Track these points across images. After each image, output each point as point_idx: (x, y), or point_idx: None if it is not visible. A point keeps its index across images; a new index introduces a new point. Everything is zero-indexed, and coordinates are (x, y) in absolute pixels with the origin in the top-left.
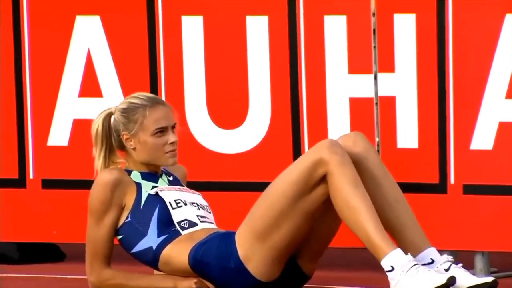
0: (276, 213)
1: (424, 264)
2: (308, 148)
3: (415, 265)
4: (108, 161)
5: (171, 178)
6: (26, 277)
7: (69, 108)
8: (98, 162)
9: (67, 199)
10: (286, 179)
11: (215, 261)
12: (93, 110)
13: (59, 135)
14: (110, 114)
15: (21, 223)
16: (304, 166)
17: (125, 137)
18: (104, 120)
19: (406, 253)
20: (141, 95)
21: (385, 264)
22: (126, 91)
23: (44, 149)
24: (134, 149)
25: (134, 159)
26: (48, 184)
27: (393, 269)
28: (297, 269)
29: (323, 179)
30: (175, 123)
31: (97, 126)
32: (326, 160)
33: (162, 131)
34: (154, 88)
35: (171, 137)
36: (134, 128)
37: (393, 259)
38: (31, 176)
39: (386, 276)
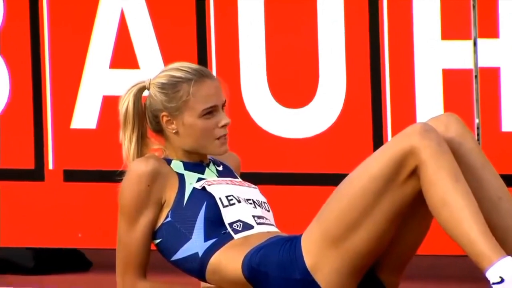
0: (354, 214)
1: None
2: (392, 131)
3: None
4: (142, 147)
5: (220, 168)
6: None
7: (98, 83)
8: (130, 149)
9: (95, 194)
10: (368, 173)
11: (275, 270)
12: (128, 85)
13: (85, 115)
14: (143, 89)
15: (38, 224)
16: (390, 157)
17: (165, 119)
18: (135, 96)
19: None
20: (183, 66)
21: (492, 274)
22: (168, 61)
23: (66, 133)
24: (176, 133)
25: (174, 145)
26: (71, 176)
27: (502, 280)
28: (377, 283)
29: (414, 172)
30: (225, 101)
31: (126, 104)
32: (418, 148)
33: (211, 111)
34: (202, 57)
35: (222, 119)
36: (177, 108)
37: (504, 268)
38: (50, 167)
39: None
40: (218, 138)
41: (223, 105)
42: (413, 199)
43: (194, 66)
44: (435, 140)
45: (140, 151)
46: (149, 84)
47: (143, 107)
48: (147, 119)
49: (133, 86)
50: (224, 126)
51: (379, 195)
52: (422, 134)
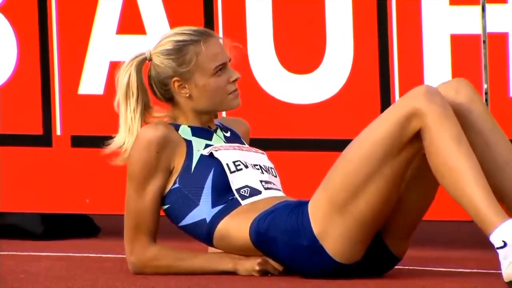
0: (359, 179)
1: None
2: (399, 97)
3: None
4: (145, 117)
5: (228, 134)
6: (52, 256)
7: (105, 48)
8: (134, 119)
9: (102, 160)
10: (371, 137)
11: (283, 236)
12: (135, 50)
13: (92, 81)
14: (143, 61)
15: (46, 189)
16: (394, 120)
17: (176, 84)
18: (137, 67)
19: None
20: (185, 30)
21: (495, 238)
22: (174, 26)
23: (74, 98)
24: (189, 97)
25: (186, 109)
26: (79, 141)
27: (505, 245)
28: (384, 249)
29: (418, 135)
30: (230, 58)
31: (128, 76)
32: (422, 111)
33: (221, 68)
34: (209, 22)
35: (232, 74)
36: (188, 71)
37: (506, 232)
38: (58, 132)
39: (497, 255)
40: (230, 93)
41: (229, 61)
42: (418, 164)
43: (195, 28)
44: (439, 103)
45: (144, 121)
46: (150, 54)
47: (148, 78)
48: (153, 89)
49: (132, 59)
50: (234, 80)
51: (383, 159)
52: (426, 96)
